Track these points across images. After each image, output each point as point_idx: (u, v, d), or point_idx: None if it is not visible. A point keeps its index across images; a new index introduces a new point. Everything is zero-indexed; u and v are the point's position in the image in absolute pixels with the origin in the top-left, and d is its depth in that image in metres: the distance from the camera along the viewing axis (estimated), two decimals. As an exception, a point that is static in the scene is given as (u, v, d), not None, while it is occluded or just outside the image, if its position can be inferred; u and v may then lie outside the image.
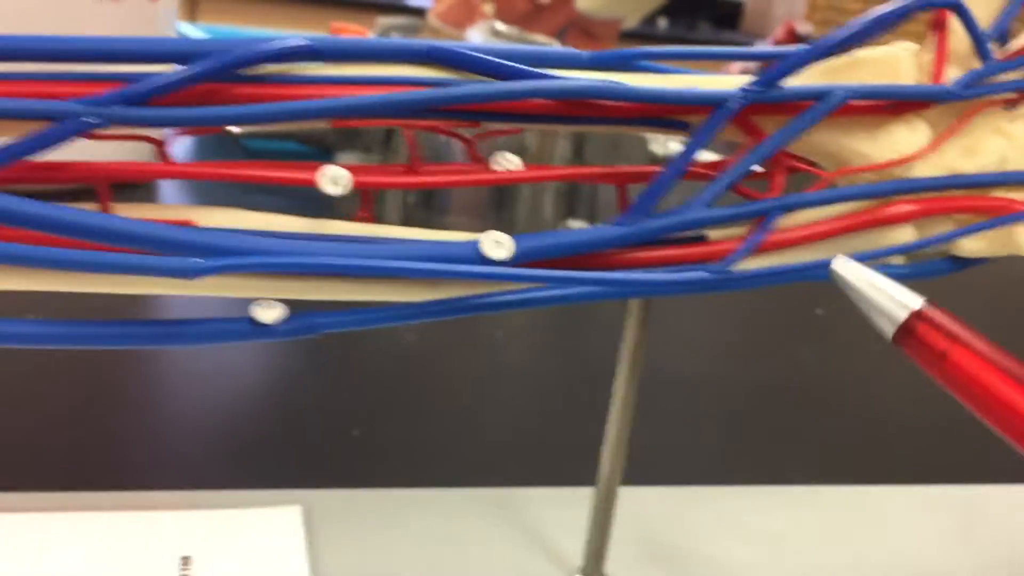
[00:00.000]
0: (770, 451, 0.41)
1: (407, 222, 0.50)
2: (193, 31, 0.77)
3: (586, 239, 0.20)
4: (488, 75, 0.20)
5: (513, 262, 0.20)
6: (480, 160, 0.22)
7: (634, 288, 0.20)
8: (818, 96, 0.22)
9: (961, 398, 0.21)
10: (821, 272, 0.23)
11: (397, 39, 0.20)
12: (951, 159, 0.24)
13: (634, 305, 0.25)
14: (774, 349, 0.52)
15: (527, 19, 0.97)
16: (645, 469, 0.36)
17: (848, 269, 0.21)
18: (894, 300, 0.21)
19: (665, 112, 0.22)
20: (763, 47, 0.23)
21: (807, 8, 2.74)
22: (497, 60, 0.20)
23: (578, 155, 0.56)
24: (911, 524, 0.35)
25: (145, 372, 0.39)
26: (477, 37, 0.58)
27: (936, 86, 0.22)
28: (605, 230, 0.21)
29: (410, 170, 0.21)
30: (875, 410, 0.47)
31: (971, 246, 0.24)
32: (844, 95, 0.22)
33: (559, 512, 0.30)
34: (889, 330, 0.21)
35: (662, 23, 2.97)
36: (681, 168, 0.21)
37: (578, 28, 0.98)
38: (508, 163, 0.21)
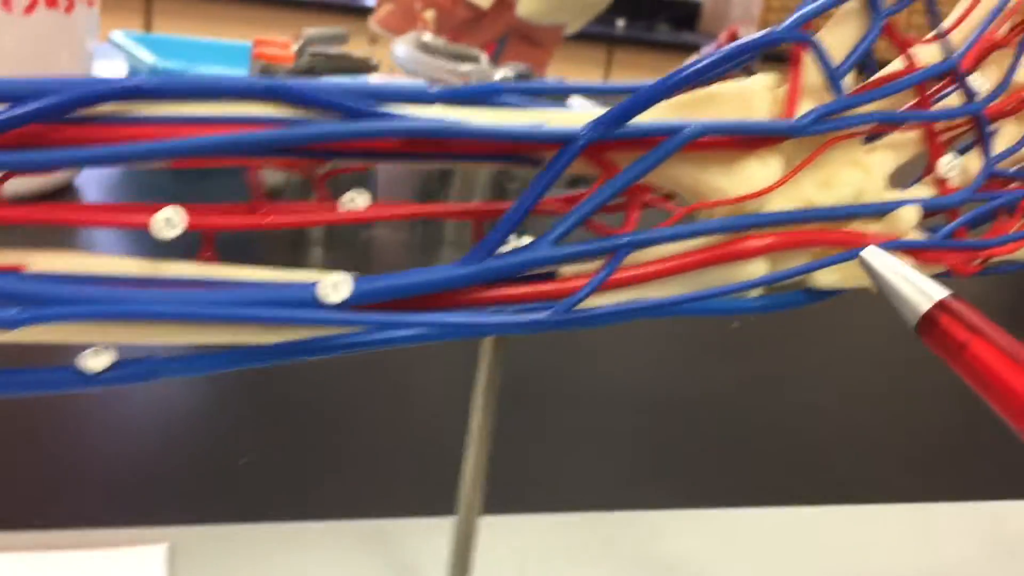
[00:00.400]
0: (684, 471, 0.41)
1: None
2: (126, 41, 0.76)
3: (427, 280, 0.20)
4: (332, 112, 0.20)
5: (351, 304, 0.20)
6: (328, 199, 0.21)
7: (470, 330, 0.20)
8: (667, 132, 0.22)
9: (978, 390, 0.21)
10: (675, 308, 0.23)
11: (237, 77, 0.20)
12: (808, 192, 0.24)
13: (487, 343, 0.25)
14: (689, 363, 0.52)
15: (467, 26, 0.96)
16: (548, 494, 0.36)
17: (877, 258, 0.23)
18: (919, 290, 0.22)
19: (515, 149, 0.22)
20: (630, 83, 0.24)
21: (762, 9, 2.77)
22: (339, 98, 0.20)
23: (504, 172, 0.56)
24: (831, 544, 0.36)
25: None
26: (402, 49, 0.58)
27: (783, 122, 0.23)
28: (447, 270, 0.21)
29: (251, 209, 0.21)
30: (787, 426, 0.47)
31: (826, 279, 0.24)
32: (691, 132, 0.22)
33: (430, 543, 0.30)
34: (912, 320, 0.22)
35: (620, 23, 2.98)
36: (529, 206, 0.21)
37: (519, 35, 0.98)
38: (354, 203, 0.21)
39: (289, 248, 0.56)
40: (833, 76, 0.23)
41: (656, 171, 0.23)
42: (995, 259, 0.26)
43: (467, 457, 0.25)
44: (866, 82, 0.25)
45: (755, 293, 0.24)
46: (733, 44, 0.22)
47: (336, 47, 0.62)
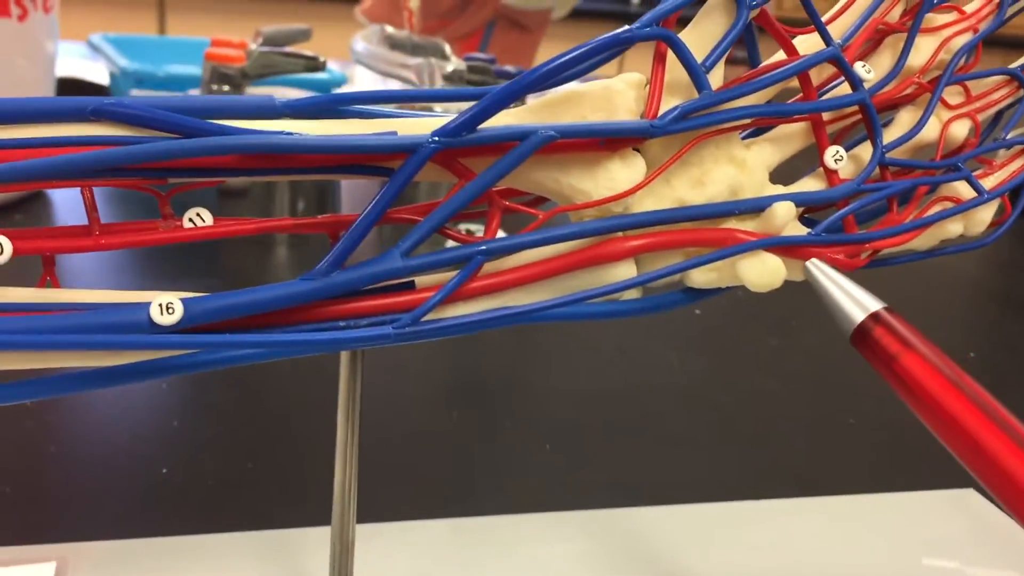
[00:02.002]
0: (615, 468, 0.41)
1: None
2: (102, 43, 0.76)
3: (268, 297, 0.20)
4: (165, 131, 0.20)
5: (186, 325, 0.19)
6: (170, 216, 0.21)
7: (306, 348, 0.20)
8: (517, 137, 0.21)
9: (908, 401, 0.22)
10: (541, 315, 0.22)
11: (67, 99, 0.20)
12: (680, 191, 0.23)
13: (344, 358, 0.24)
14: (648, 352, 0.52)
15: (453, 14, 0.96)
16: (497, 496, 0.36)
17: (815, 268, 0.23)
18: (855, 301, 0.23)
19: (363, 160, 0.21)
20: (468, 89, 0.23)
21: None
22: (174, 116, 0.20)
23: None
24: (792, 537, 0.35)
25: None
26: (360, 45, 0.57)
27: (639, 122, 0.22)
28: (291, 287, 0.20)
29: (88, 231, 0.21)
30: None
31: (701, 278, 0.23)
32: (540, 138, 0.21)
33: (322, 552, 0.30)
34: (847, 330, 0.23)
35: (635, 0, 2.95)
36: (375, 217, 0.21)
37: (507, 20, 0.97)
38: (199, 219, 0.21)
39: (255, 247, 0.56)
40: (696, 72, 0.22)
41: (516, 175, 0.22)
42: (887, 250, 0.25)
43: (337, 471, 0.25)
44: (741, 76, 0.24)
45: (631, 295, 0.23)
46: (589, 43, 0.22)
47: (296, 45, 0.61)
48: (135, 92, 0.62)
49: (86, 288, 0.21)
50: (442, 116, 0.22)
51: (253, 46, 0.57)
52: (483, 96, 0.22)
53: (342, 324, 0.21)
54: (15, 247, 0.19)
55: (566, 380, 0.47)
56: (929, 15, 0.27)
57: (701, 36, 0.23)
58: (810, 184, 0.25)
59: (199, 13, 2.37)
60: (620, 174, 0.22)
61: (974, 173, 0.27)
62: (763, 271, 0.23)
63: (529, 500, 0.36)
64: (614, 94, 0.23)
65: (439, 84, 0.55)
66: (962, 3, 0.27)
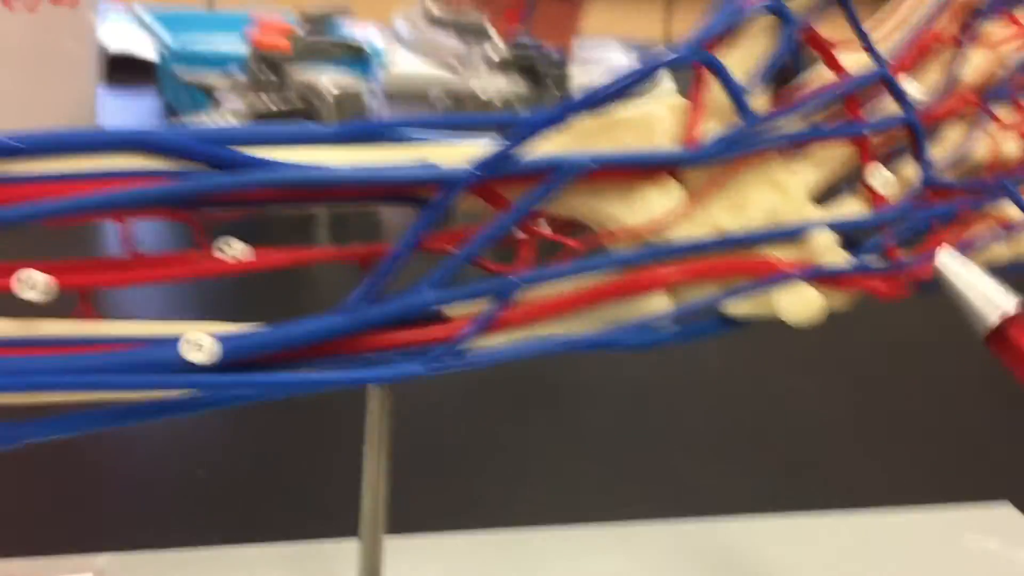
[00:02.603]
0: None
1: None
2: (146, 17, 0.77)
3: (300, 333, 0.20)
4: (205, 163, 0.20)
5: (222, 362, 0.19)
6: (207, 247, 0.21)
7: (338, 385, 0.20)
8: (551, 168, 0.21)
9: None
10: (573, 346, 0.22)
11: (110, 131, 0.20)
12: (718, 216, 0.23)
13: (373, 391, 0.24)
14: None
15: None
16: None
17: (950, 265, 0.23)
18: (989, 300, 0.22)
19: (399, 191, 0.21)
20: (506, 116, 0.23)
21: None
22: (208, 149, 0.20)
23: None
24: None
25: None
26: (403, 27, 0.57)
27: (677, 152, 0.22)
28: (321, 322, 0.20)
29: (125, 264, 0.21)
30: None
31: (737, 309, 0.23)
32: (573, 168, 0.21)
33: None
34: (981, 330, 0.22)
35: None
36: (407, 249, 0.21)
37: (552, -9, 0.96)
38: (233, 250, 0.21)
39: (297, 231, 0.56)
40: (738, 97, 0.22)
41: (553, 203, 0.22)
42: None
43: (365, 502, 0.25)
44: (784, 96, 0.23)
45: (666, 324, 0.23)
46: (627, 73, 0.21)
47: (337, 21, 0.61)
48: (180, 71, 0.62)
49: (124, 318, 0.21)
50: (475, 142, 0.22)
51: (298, 29, 0.57)
52: (521, 123, 0.21)
53: (373, 357, 0.21)
54: (53, 280, 0.19)
55: (601, 383, 0.47)
56: (985, 27, 0.26)
57: (745, 57, 0.22)
58: (850, 205, 0.24)
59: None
60: (656, 202, 0.22)
61: (1027, 191, 0.26)
62: (801, 305, 0.22)
63: (563, 511, 0.36)
64: (653, 120, 0.22)
65: (483, 71, 0.54)
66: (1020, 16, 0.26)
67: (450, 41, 0.54)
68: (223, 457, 0.37)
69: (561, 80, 0.54)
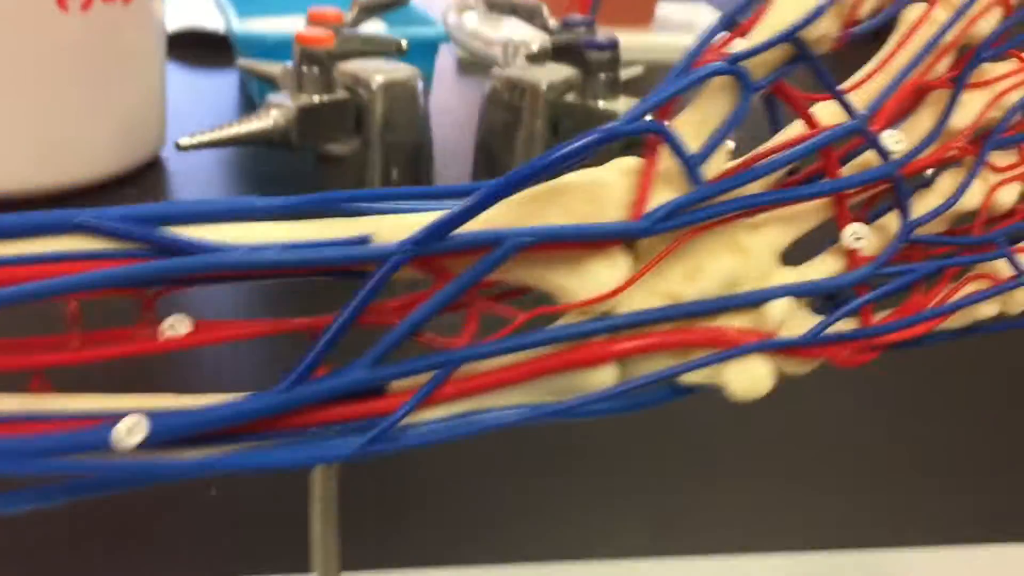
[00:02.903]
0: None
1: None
2: (227, 6, 0.78)
3: (231, 413, 0.20)
4: (142, 244, 0.20)
5: (149, 444, 0.20)
6: (153, 322, 0.22)
7: (266, 468, 0.20)
8: (490, 243, 0.21)
9: None
10: (517, 421, 0.22)
11: (44, 215, 0.20)
12: (673, 283, 0.22)
13: (316, 471, 0.24)
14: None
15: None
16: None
17: None
18: None
19: (339, 268, 0.21)
20: (461, 185, 0.22)
21: None
22: (143, 232, 0.20)
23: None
24: None
25: None
26: (452, 17, 0.56)
27: (622, 224, 0.21)
28: (255, 402, 0.20)
29: (68, 343, 0.21)
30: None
31: (691, 379, 0.22)
32: (516, 244, 0.20)
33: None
34: None
35: None
36: (346, 324, 0.21)
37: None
38: (175, 328, 0.21)
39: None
40: (690, 166, 0.21)
41: (499, 272, 0.22)
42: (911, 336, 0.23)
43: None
44: (751, 155, 0.22)
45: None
46: (574, 142, 0.20)
47: (392, 10, 0.61)
48: (241, 60, 0.63)
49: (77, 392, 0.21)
50: (431, 212, 0.21)
51: (348, 17, 0.57)
52: (467, 193, 0.21)
53: (311, 432, 0.21)
54: (-10, 364, 0.20)
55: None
56: (983, 66, 0.24)
57: (703, 119, 0.22)
58: (827, 264, 0.23)
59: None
60: (603, 274, 0.21)
61: (1022, 243, 0.24)
62: (745, 380, 0.21)
63: (569, 545, 0.36)
64: (602, 187, 0.21)
65: (521, 63, 0.53)
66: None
67: (494, 36, 0.53)
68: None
69: (611, 65, 0.53)
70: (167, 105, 0.65)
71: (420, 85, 0.55)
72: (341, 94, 0.53)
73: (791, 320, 0.22)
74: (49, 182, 0.56)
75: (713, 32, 0.21)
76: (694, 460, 0.41)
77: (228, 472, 0.21)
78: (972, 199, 0.24)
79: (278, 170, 0.64)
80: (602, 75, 0.53)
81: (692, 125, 0.21)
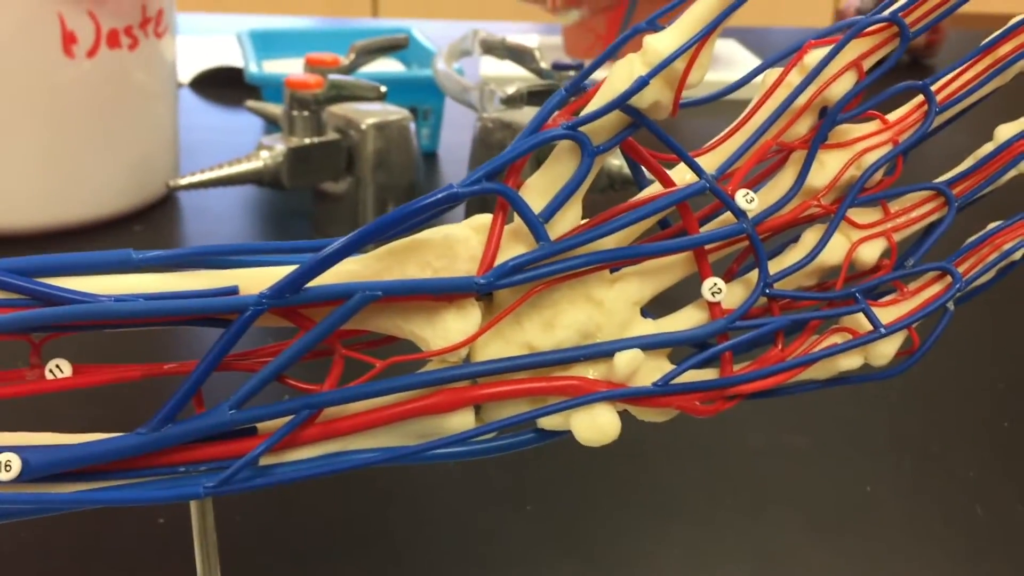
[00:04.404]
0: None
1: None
2: (245, 39, 0.81)
3: (102, 451, 0.22)
4: (25, 295, 0.22)
5: (25, 478, 0.22)
6: (38, 365, 0.23)
7: (127, 501, 0.22)
8: (342, 296, 0.22)
9: None
10: (380, 461, 0.23)
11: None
12: (530, 333, 0.23)
13: (193, 507, 0.26)
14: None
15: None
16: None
17: None
18: None
19: (203, 317, 0.23)
20: (313, 242, 0.24)
21: None
22: (21, 284, 0.22)
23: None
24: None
25: None
26: (440, 64, 0.57)
27: (467, 279, 0.22)
28: (123, 440, 0.22)
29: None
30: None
31: (549, 423, 0.23)
32: (366, 297, 0.22)
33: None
34: None
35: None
36: (210, 370, 0.22)
37: (650, -10, 0.95)
38: (59, 370, 0.23)
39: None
40: (532, 224, 0.22)
41: (359, 320, 0.23)
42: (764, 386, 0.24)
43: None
44: (604, 212, 0.23)
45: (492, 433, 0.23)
46: (416, 202, 0.22)
47: (391, 53, 0.62)
48: (249, 102, 0.65)
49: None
50: (293, 265, 0.23)
51: (345, 61, 0.59)
52: (318, 248, 0.22)
53: (182, 469, 0.23)
54: None
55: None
56: (845, 126, 0.25)
57: (552, 180, 0.23)
58: (689, 315, 0.24)
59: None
60: (453, 325, 0.22)
61: (886, 298, 0.25)
62: (591, 427, 0.22)
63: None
64: (455, 243, 0.23)
65: (495, 108, 0.55)
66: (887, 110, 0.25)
67: (469, 83, 0.55)
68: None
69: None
70: (183, 143, 0.68)
71: (412, 126, 0.57)
72: (331, 136, 0.55)
73: (643, 370, 0.23)
74: (60, 220, 0.59)
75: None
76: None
77: (99, 505, 0.22)
78: (833, 255, 0.24)
79: (283, 206, 0.67)
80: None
81: (540, 186, 0.22)
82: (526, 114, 0.55)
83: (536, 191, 0.23)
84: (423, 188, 0.60)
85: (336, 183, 0.58)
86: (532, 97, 0.54)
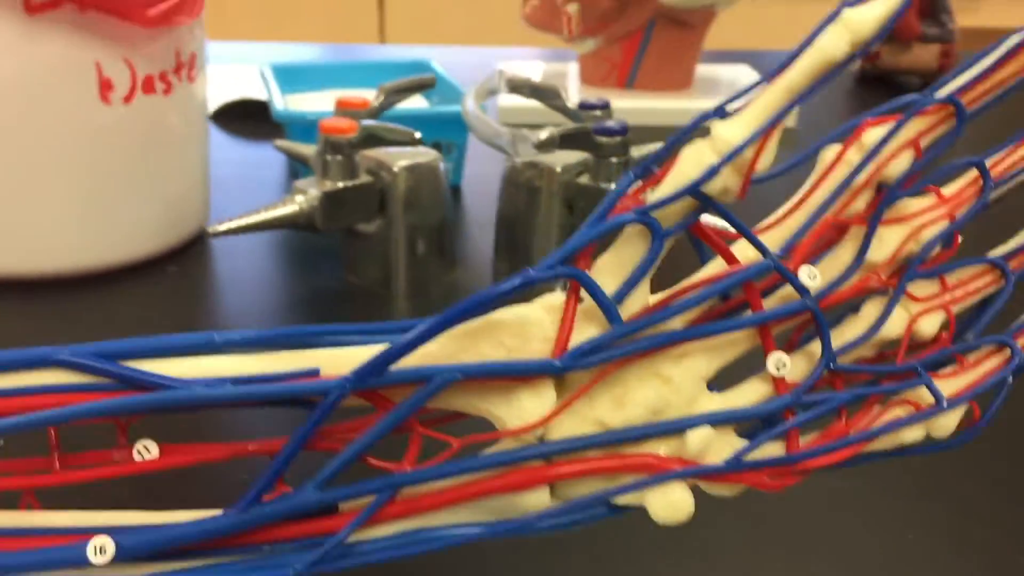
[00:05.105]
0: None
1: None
2: (269, 74, 0.82)
3: (192, 532, 0.23)
4: (113, 379, 0.23)
5: (119, 559, 0.22)
6: (125, 446, 0.24)
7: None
8: (422, 379, 0.23)
9: None
10: (460, 538, 0.24)
11: (27, 352, 0.23)
12: (601, 410, 0.24)
13: None
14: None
15: (612, 15, 0.95)
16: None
17: None
18: None
19: (287, 400, 0.23)
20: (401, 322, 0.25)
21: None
22: (114, 369, 0.23)
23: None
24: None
25: None
26: (470, 103, 0.58)
27: (543, 362, 0.23)
28: (211, 523, 0.23)
29: (51, 465, 0.24)
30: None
31: (623, 500, 0.24)
32: (445, 380, 0.22)
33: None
34: None
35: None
36: (296, 450, 0.23)
37: (667, 19, 0.95)
38: (147, 451, 0.24)
39: (376, 301, 0.59)
40: (606, 307, 0.23)
41: (438, 401, 0.24)
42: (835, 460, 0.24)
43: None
44: (672, 291, 0.24)
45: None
46: (492, 290, 0.22)
47: (419, 93, 0.63)
48: (278, 142, 0.66)
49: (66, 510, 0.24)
50: (375, 346, 0.24)
51: (374, 103, 0.60)
52: (402, 330, 0.23)
53: (267, 548, 0.23)
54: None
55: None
56: (902, 202, 0.25)
57: (621, 262, 0.23)
58: (754, 389, 0.25)
59: (422, 22, 2.16)
60: (529, 405, 0.23)
61: (945, 370, 0.25)
62: (666, 505, 0.23)
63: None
64: (529, 323, 0.23)
65: (527, 153, 0.55)
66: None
67: (501, 128, 0.56)
68: None
69: (622, 149, 0.55)
70: (212, 179, 0.69)
71: (441, 167, 0.58)
72: (364, 178, 0.56)
73: (713, 446, 0.24)
74: (97, 262, 0.59)
75: (627, 182, 0.23)
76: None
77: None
78: (893, 328, 0.25)
79: (312, 244, 0.67)
80: (613, 159, 0.55)
81: (610, 267, 0.23)
82: (558, 157, 0.56)
83: (606, 272, 0.23)
84: (452, 224, 0.61)
85: (368, 223, 0.59)
86: (564, 141, 0.54)
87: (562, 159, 0.55)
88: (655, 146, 0.64)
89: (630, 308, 0.23)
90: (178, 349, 0.23)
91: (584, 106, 0.60)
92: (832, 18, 0.22)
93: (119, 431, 0.24)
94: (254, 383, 0.23)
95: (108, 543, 0.22)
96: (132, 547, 0.22)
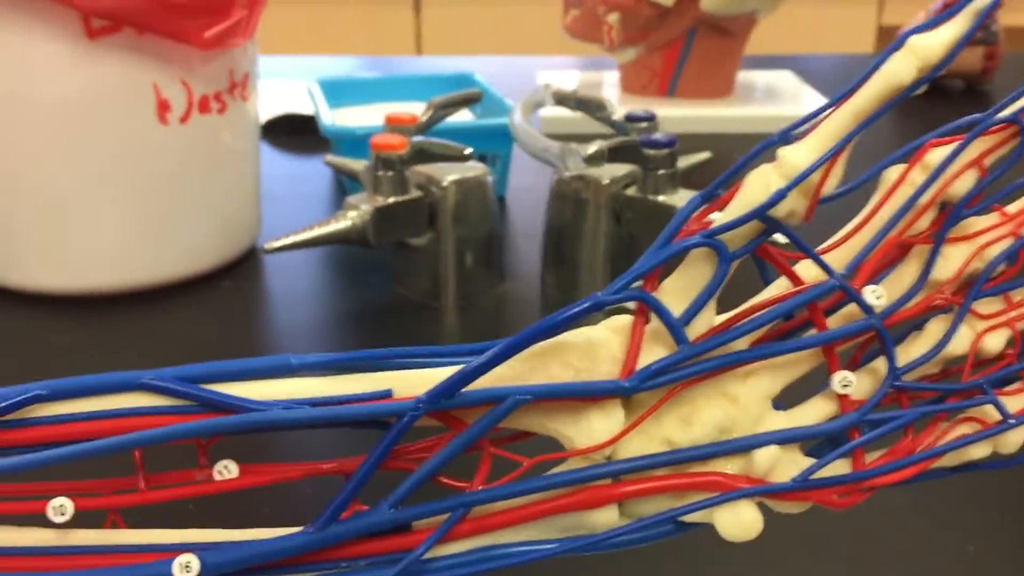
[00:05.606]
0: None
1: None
2: (316, 90, 0.83)
3: (272, 550, 0.23)
4: (195, 402, 0.24)
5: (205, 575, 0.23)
6: (206, 466, 0.25)
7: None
8: (494, 399, 0.23)
9: None
10: (530, 555, 0.24)
11: (113, 377, 0.24)
12: (669, 429, 0.24)
13: None
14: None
15: (653, 24, 0.95)
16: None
17: None
18: None
19: (363, 420, 0.24)
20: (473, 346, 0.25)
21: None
22: (195, 392, 0.23)
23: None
24: None
25: None
26: (517, 117, 0.59)
27: (612, 383, 0.23)
28: (291, 540, 0.23)
29: (136, 484, 0.24)
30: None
31: (691, 518, 0.24)
32: (516, 400, 0.23)
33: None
34: None
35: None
36: (371, 470, 0.24)
37: (708, 27, 0.96)
38: (227, 471, 0.24)
39: (425, 314, 0.60)
40: (674, 328, 0.23)
41: (507, 421, 0.24)
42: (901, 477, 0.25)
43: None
44: (737, 311, 0.24)
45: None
46: (562, 313, 0.23)
47: (466, 107, 0.64)
48: (328, 157, 0.67)
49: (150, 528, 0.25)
50: (447, 368, 0.24)
51: (422, 118, 0.61)
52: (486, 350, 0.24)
53: (344, 565, 0.24)
54: (76, 505, 0.23)
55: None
56: (965, 220, 0.25)
57: (687, 284, 0.24)
58: (818, 407, 0.25)
59: (458, 32, 2.19)
60: (598, 425, 0.24)
61: (1011, 387, 0.25)
62: (735, 524, 0.23)
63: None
64: (597, 345, 0.24)
65: (576, 166, 0.56)
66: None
67: (551, 143, 0.56)
68: None
69: (670, 161, 0.55)
70: (263, 194, 0.70)
71: (489, 180, 0.59)
72: (414, 193, 0.57)
73: (780, 464, 0.24)
74: (154, 278, 0.61)
75: (693, 205, 0.24)
76: None
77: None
78: (959, 345, 0.25)
79: (363, 258, 0.68)
80: (660, 171, 0.55)
81: (677, 289, 0.24)
82: (605, 169, 0.56)
83: (672, 294, 0.24)
84: (500, 238, 0.62)
85: (418, 237, 0.59)
86: (612, 154, 0.55)
87: (609, 171, 0.56)
88: (702, 156, 0.65)
89: (697, 329, 0.24)
90: (256, 372, 0.24)
91: (630, 118, 0.60)
92: (898, 45, 0.22)
93: (199, 451, 0.25)
94: (331, 405, 0.23)
95: (193, 560, 0.23)
96: (216, 564, 0.23)
